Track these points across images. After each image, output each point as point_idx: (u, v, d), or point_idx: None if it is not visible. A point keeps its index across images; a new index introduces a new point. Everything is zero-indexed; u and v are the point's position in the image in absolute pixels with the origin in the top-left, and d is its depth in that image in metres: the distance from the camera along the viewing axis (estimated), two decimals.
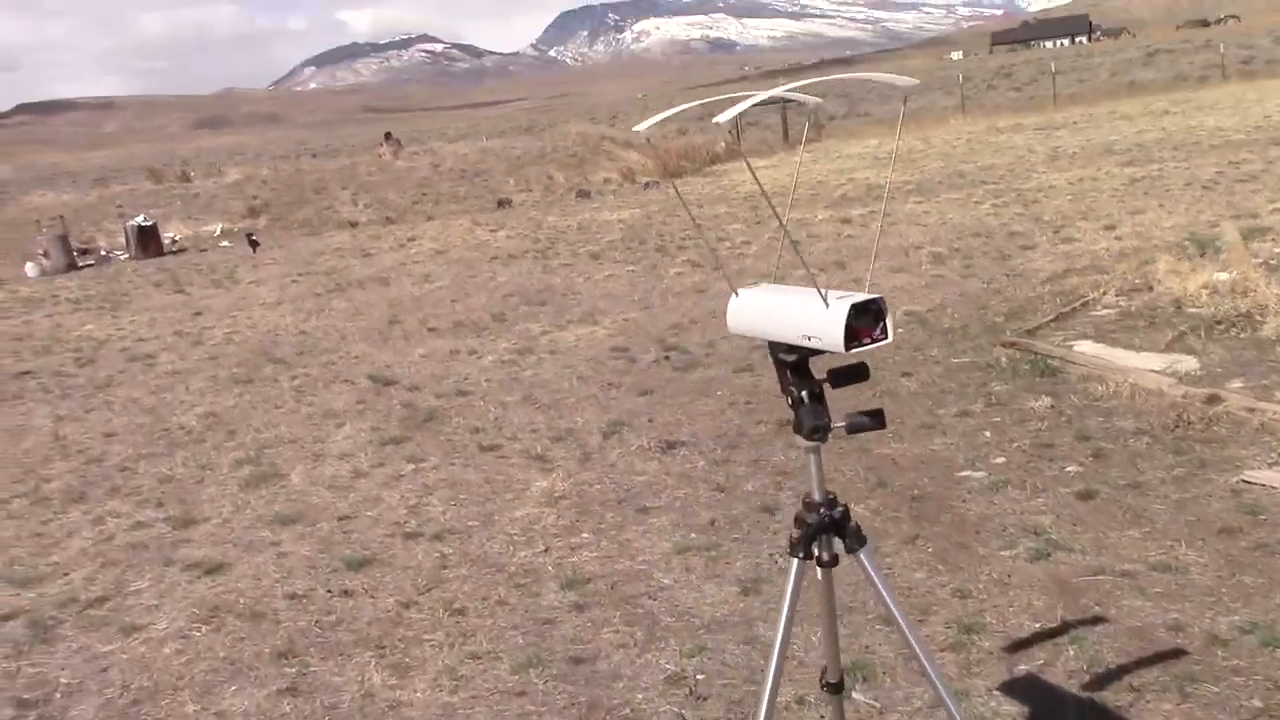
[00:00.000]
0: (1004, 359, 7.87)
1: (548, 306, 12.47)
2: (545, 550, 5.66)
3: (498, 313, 12.40)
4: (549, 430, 7.77)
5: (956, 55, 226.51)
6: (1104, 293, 9.22)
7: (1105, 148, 21.38)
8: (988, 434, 6.57)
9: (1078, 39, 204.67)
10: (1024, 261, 11.67)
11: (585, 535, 5.79)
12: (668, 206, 21.11)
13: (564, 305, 12.42)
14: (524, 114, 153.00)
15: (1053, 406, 6.81)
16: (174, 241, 23.26)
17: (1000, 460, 6.14)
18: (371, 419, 8.61)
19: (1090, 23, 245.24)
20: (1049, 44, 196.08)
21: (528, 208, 24.16)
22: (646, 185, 25.32)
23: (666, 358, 9.44)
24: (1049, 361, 7.56)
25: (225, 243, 23.24)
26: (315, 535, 6.26)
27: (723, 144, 31.37)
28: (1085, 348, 7.71)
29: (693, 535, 5.61)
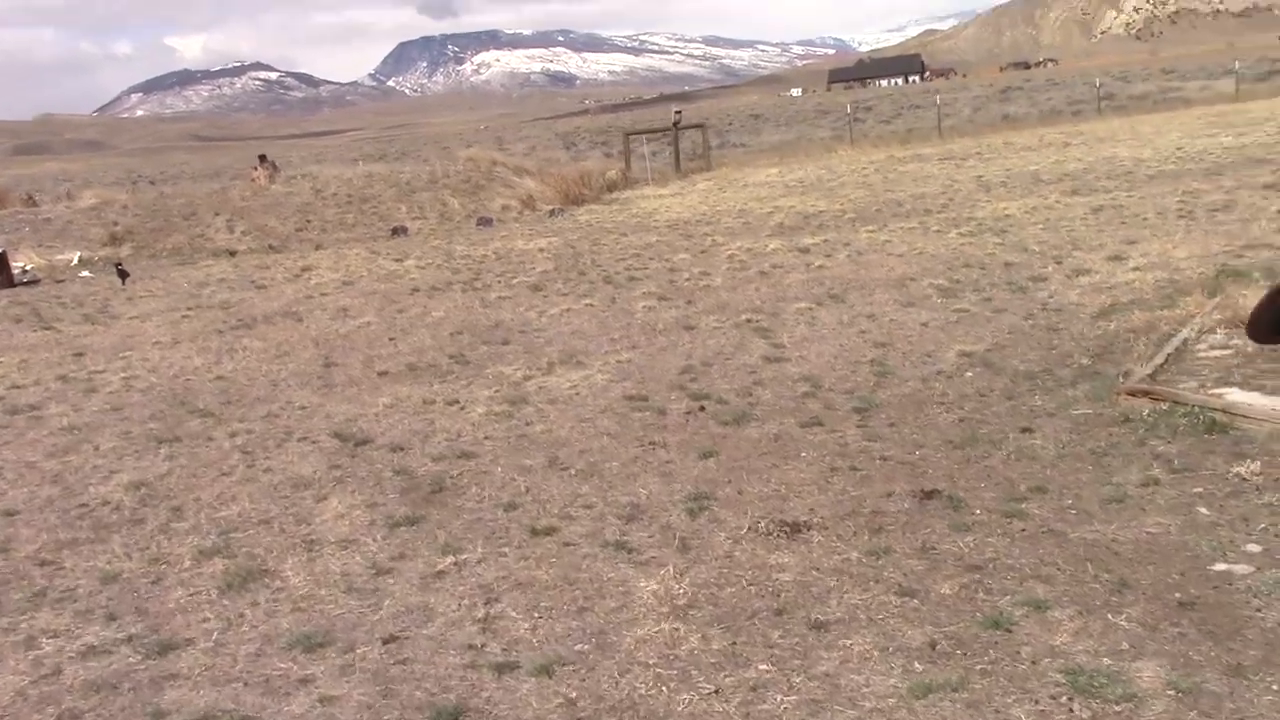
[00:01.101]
0: (1146, 411, 6.61)
1: (512, 346, 10.85)
2: (715, 692, 4.11)
3: (454, 353, 10.72)
4: (609, 506, 6.19)
5: (796, 92, 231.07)
6: (1198, 331, 8.09)
7: (1033, 177, 20.74)
8: (1204, 510, 5.27)
9: (911, 78, 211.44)
10: (1048, 295, 10.56)
11: (762, 668, 4.25)
12: (588, 234, 19.61)
13: (532, 345, 10.81)
14: (366, 143, 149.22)
15: (1262, 473, 5.55)
16: (25, 271, 20.70)
17: (1255, 548, 4.83)
18: (360, 490, 6.90)
19: (923, 63, 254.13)
20: (884, 82, 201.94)
21: (426, 235, 22.34)
22: (553, 213, 23.75)
23: (702, 408, 7.94)
24: (1211, 415, 6.31)
25: (86, 273, 20.79)
26: (362, 668, 4.57)
27: (616, 171, 30.06)
28: (1241, 397, 6.51)
29: (917, 665, 4.13)
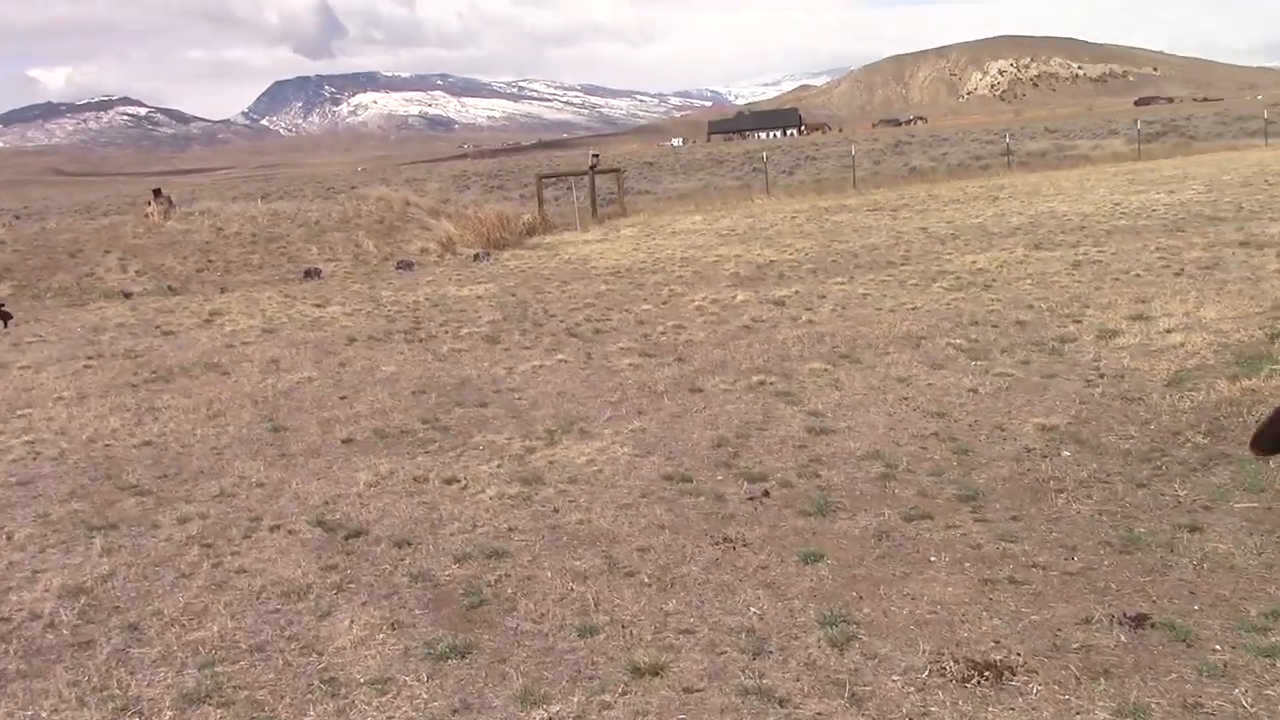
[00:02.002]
0: None
1: (492, 409, 9.45)
2: None
3: (426, 417, 9.29)
4: (716, 631, 4.86)
5: (677, 142, 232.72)
6: None
7: (980, 229, 20.05)
8: None
9: (789, 131, 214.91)
10: (1093, 359, 9.57)
11: None
12: (526, 281, 18.25)
13: (515, 407, 9.43)
14: (241, 181, 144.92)
15: None
16: None
17: None
18: (373, 602, 5.45)
19: (800, 117, 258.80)
20: (763, 135, 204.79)
21: (343, 279, 20.67)
22: (476, 257, 22.29)
23: (766, 494, 6.67)
24: None
25: None
26: None
27: (531, 214, 28.78)
28: None
29: None
